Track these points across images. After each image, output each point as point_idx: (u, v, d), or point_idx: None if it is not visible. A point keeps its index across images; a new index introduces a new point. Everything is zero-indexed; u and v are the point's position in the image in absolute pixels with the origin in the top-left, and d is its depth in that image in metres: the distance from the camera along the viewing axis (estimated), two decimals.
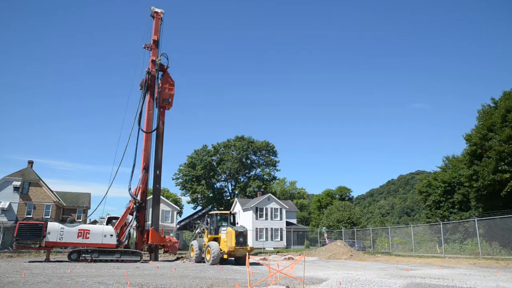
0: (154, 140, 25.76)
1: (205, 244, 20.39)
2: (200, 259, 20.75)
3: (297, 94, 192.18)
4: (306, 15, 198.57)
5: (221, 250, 19.04)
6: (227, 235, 19.22)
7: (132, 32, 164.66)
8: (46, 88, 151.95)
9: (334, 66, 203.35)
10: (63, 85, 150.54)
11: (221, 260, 19.05)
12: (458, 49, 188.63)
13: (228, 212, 21.75)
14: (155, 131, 25.77)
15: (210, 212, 22.14)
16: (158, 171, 25.44)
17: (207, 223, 21.84)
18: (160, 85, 26.16)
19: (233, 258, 19.66)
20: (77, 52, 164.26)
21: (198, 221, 24.13)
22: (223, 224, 20.62)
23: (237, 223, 21.74)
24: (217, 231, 20.45)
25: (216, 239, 20.19)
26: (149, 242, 23.43)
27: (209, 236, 20.64)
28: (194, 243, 21.43)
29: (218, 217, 21.07)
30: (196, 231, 23.79)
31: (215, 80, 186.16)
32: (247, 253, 14.39)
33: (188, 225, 25.10)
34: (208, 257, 19.32)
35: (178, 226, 26.86)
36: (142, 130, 24.92)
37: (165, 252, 25.70)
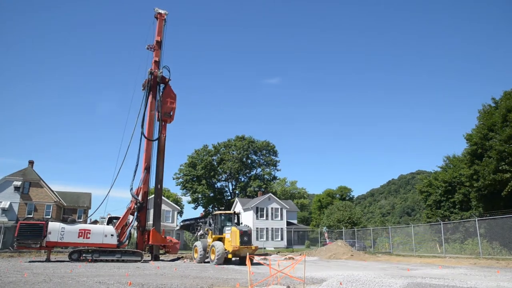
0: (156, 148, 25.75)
1: (209, 244, 20.65)
2: (203, 260, 20.92)
3: (298, 93, 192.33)
4: (306, 15, 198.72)
5: (225, 249, 19.27)
6: (231, 234, 19.42)
7: (137, 32, 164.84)
8: (46, 88, 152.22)
9: (336, 66, 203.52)
10: (63, 84, 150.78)
11: (226, 260, 19.30)
12: (458, 49, 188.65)
13: (232, 212, 22.22)
14: (157, 140, 25.72)
15: (214, 213, 22.49)
16: (159, 186, 25.70)
17: (209, 224, 22.09)
18: (161, 98, 25.91)
19: (238, 258, 19.86)
20: (76, 51, 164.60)
21: (201, 223, 24.40)
22: (227, 224, 20.88)
23: (241, 223, 22.02)
24: (221, 231, 20.68)
25: (221, 239, 20.41)
26: (150, 243, 23.46)
27: (213, 236, 20.86)
28: (198, 244, 21.54)
29: (222, 217, 21.36)
30: (199, 233, 24.01)
31: (215, 80, 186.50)
32: (248, 253, 14.35)
33: (190, 226, 25.51)
34: (212, 257, 19.58)
35: (180, 224, 27.26)
36: (144, 136, 24.80)
37: (166, 252, 25.75)
